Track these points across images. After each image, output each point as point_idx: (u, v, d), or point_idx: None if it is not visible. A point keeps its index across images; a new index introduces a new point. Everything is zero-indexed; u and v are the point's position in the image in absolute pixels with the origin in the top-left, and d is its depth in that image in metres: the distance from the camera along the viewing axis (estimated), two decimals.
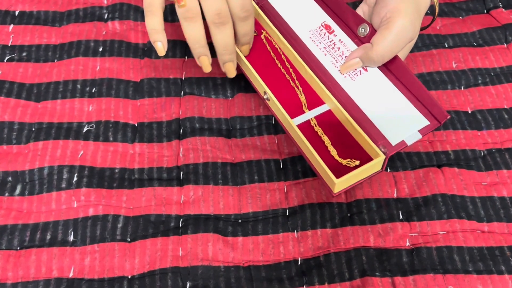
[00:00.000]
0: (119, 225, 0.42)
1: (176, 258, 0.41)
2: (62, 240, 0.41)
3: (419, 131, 0.39)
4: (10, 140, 0.46)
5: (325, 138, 0.41)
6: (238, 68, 0.46)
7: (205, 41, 0.42)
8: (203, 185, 0.44)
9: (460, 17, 0.57)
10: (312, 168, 0.40)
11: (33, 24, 0.55)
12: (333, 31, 0.45)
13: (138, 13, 0.56)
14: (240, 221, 0.43)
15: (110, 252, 0.41)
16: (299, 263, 0.41)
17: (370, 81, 0.42)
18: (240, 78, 0.51)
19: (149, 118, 0.49)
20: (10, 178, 0.44)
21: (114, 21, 0.55)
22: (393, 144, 0.38)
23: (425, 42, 0.54)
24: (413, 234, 0.41)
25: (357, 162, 0.39)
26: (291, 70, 0.45)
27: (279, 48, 0.47)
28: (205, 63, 0.43)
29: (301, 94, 0.44)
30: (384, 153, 0.38)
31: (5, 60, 0.52)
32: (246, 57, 0.45)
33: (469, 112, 0.49)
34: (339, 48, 0.44)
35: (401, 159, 0.46)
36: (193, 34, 0.41)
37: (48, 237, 0.41)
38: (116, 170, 0.45)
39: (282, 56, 0.46)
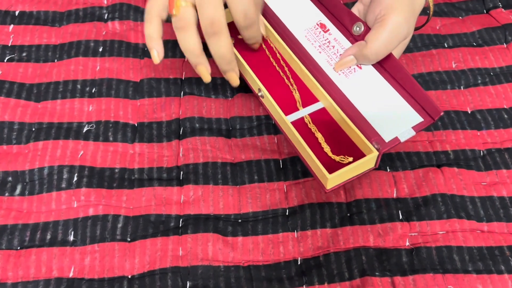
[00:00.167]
0: (119, 225, 0.42)
1: (176, 258, 0.41)
2: (62, 240, 0.41)
3: (412, 127, 0.39)
4: (10, 140, 0.46)
5: (318, 135, 0.41)
6: None
7: (200, 50, 0.40)
8: (203, 185, 0.44)
9: (460, 17, 0.57)
10: (306, 165, 0.40)
11: (33, 24, 0.55)
12: (328, 29, 0.45)
13: (138, 13, 0.56)
14: (240, 221, 0.43)
15: (110, 252, 0.41)
16: (298, 263, 0.41)
17: (364, 79, 0.42)
18: (240, 78, 0.51)
19: (149, 118, 0.49)
20: (10, 178, 0.44)
21: (114, 21, 0.55)
22: (387, 141, 0.39)
23: (425, 42, 0.54)
24: (413, 234, 0.41)
25: (350, 159, 0.39)
26: (286, 68, 0.45)
27: (274, 47, 0.47)
28: (202, 72, 0.42)
29: (295, 92, 0.44)
30: (377, 150, 0.38)
31: (5, 60, 0.52)
32: (241, 54, 0.45)
33: (469, 112, 0.49)
34: (333, 46, 0.44)
35: (400, 159, 0.46)
36: (186, 43, 0.40)
37: (48, 237, 0.42)
38: (116, 170, 0.45)
39: (277, 54, 0.46)
